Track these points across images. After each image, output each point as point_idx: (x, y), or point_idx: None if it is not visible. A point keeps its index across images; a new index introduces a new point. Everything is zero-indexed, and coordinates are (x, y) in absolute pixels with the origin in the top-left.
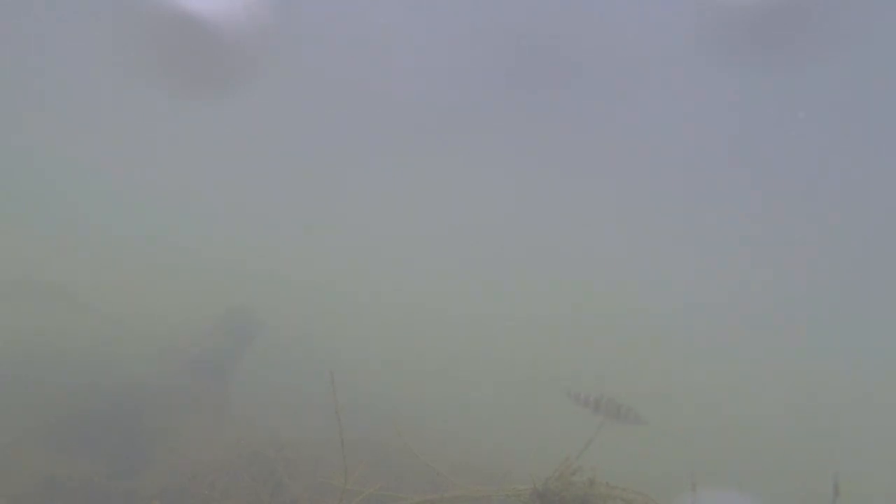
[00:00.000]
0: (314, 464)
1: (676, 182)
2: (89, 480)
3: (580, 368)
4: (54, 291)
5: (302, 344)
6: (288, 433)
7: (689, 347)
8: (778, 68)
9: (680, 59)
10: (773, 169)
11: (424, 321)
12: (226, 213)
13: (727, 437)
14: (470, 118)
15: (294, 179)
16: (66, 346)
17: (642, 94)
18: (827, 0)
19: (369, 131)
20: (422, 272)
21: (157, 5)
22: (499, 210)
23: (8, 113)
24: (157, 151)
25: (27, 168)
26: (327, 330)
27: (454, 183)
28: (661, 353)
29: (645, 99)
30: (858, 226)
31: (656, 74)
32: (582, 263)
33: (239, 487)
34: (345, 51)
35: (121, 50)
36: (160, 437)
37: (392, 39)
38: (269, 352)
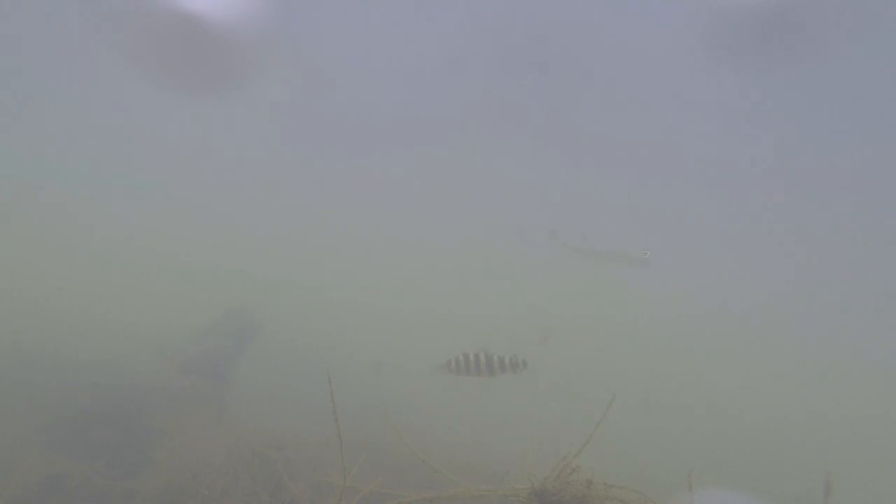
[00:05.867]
0: (314, 464)
1: (678, 182)
2: (89, 480)
3: (586, 369)
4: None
5: (300, 345)
6: (288, 433)
7: (692, 349)
8: (780, 67)
9: (681, 58)
10: (777, 168)
11: (424, 321)
12: (225, 215)
13: (726, 438)
14: (468, 118)
15: (293, 179)
16: (65, 347)
17: (645, 93)
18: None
19: (367, 131)
20: (421, 273)
21: (156, 5)
22: (501, 210)
23: (8, 112)
24: (154, 151)
25: (25, 168)
26: (326, 331)
27: (454, 183)
28: (664, 354)
29: (648, 98)
30: (863, 224)
31: (657, 73)
32: (588, 265)
33: (239, 487)
34: (344, 50)
35: (120, 49)
36: (160, 437)
37: (391, 37)
38: (267, 353)
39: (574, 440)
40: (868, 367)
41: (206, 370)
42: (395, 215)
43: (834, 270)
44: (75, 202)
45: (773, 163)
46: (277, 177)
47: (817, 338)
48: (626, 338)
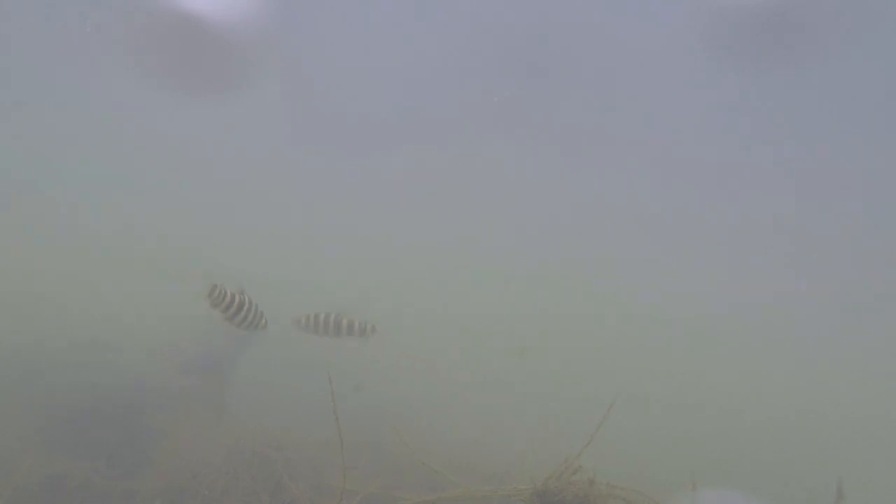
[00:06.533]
0: (314, 464)
1: (678, 182)
2: (89, 480)
3: (587, 369)
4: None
5: (301, 345)
6: (288, 433)
7: (693, 348)
8: (780, 67)
9: (681, 58)
10: (777, 168)
11: (425, 321)
12: (225, 214)
13: (729, 438)
14: (468, 118)
15: (293, 179)
16: (65, 347)
17: (645, 93)
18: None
19: (367, 130)
20: (421, 271)
21: (156, 5)
22: (501, 210)
23: (7, 112)
24: (155, 151)
25: (25, 168)
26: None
27: (455, 182)
28: (664, 354)
29: (648, 98)
30: (864, 224)
31: (658, 73)
32: (591, 264)
33: (239, 487)
34: (344, 50)
35: (120, 49)
36: (160, 437)
37: (391, 37)
38: (267, 352)
39: (575, 440)
40: (868, 367)
41: (206, 370)
42: (395, 215)
43: (834, 270)
44: (75, 202)
45: (773, 162)
46: (278, 176)
47: (818, 338)
48: (626, 338)
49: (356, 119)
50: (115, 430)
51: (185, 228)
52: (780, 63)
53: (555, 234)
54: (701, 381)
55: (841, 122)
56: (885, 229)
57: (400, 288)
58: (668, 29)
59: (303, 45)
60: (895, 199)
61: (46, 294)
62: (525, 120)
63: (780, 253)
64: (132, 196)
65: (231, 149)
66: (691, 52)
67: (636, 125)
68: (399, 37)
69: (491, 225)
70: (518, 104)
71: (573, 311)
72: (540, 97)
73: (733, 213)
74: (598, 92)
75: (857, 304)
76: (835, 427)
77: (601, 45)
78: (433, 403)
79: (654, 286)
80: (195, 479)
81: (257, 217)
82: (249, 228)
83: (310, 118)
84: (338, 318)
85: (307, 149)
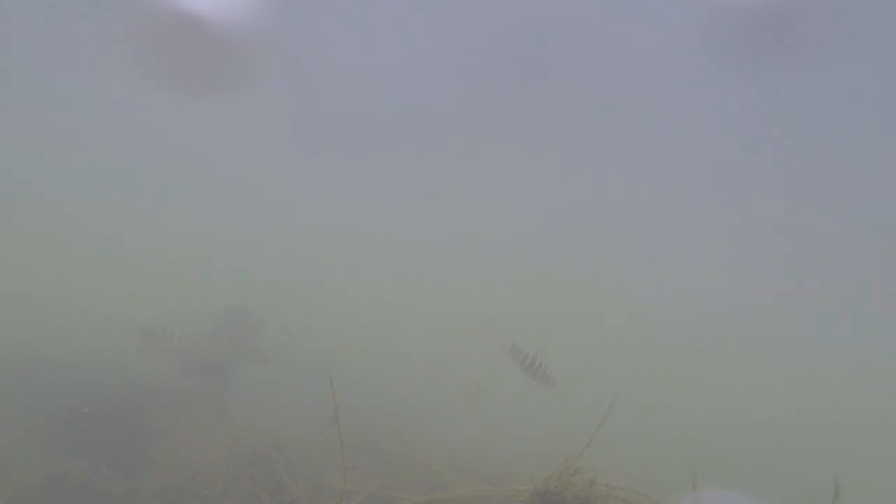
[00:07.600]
0: (314, 464)
1: (679, 182)
2: (89, 480)
3: (587, 370)
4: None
5: (301, 344)
6: (288, 433)
7: (693, 349)
8: (781, 67)
9: (682, 59)
10: (777, 168)
11: (426, 321)
12: (225, 214)
13: (729, 439)
14: (469, 119)
15: (293, 178)
16: (65, 347)
17: (645, 93)
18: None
19: (367, 131)
20: (421, 271)
21: (157, 5)
22: (501, 210)
23: (8, 112)
24: (154, 151)
25: (25, 168)
26: (327, 330)
27: (455, 182)
28: (665, 354)
29: (648, 98)
30: (864, 224)
31: (658, 73)
32: (591, 265)
33: (239, 487)
34: (344, 50)
35: (120, 49)
36: (160, 437)
37: (391, 37)
38: (268, 352)
39: (575, 440)
40: (868, 367)
41: (206, 370)
42: (395, 215)
43: (834, 271)
44: (75, 202)
45: (773, 163)
46: (278, 176)
47: (817, 338)
48: (626, 337)
49: (356, 119)
50: (115, 430)
51: (184, 228)
52: (780, 63)
53: (555, 234)
54: (701, 381)
55: (841, 122)
56: (885, 229)
57: (399, 288)
58: (668, 29)
59: (303, 45)
60: (895, 199)
61: (46, 294)
62: (525, 120)
63: (780, 253)
64: (132, 196)
65: (231, 149)
66: (691, 52)
67: (636, 125)
68: (399, 37)
69: (491, 225)
70: (518, 104)
71: (573, 311)
72: (540, 97)
73: (733, 213)
74: (598, 92)
75: (857, 304)
76: (835, 427)
77: (601, 45)
78: (433, 403)
79: (654, 286)
80: (195, 479)
81: (256, 217)
82: (248, 228)
83: (309, 118)
84: (540, 362)
85: (307, 149)
